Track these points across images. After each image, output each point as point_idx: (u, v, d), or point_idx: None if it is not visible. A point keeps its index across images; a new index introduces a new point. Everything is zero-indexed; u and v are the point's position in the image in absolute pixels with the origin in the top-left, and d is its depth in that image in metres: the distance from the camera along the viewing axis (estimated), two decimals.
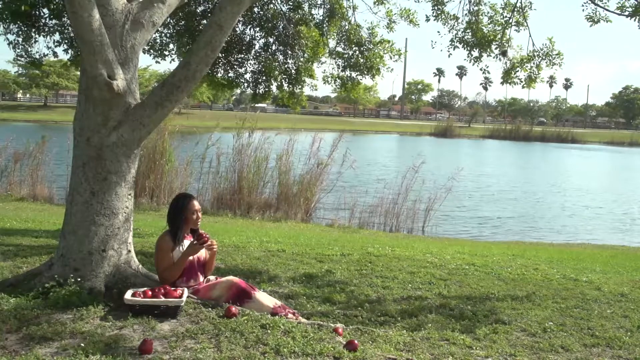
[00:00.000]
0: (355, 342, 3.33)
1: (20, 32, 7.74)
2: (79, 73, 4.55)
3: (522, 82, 8.07)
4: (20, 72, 61.32)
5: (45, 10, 7.71)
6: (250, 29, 8.82)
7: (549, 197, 21.12)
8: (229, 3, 4.10)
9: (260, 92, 8.95)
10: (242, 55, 8.83)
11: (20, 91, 70.03)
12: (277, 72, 8.75)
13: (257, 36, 8.87)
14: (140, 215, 10.78)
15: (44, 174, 13.90)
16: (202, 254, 4.14)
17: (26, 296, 3.73)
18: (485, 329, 4.09)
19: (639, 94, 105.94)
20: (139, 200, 12.51)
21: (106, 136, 4.01)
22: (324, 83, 9.18)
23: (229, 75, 8.94)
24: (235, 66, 8.89)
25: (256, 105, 18.92)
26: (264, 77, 8.83)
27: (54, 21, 7.82)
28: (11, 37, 7.78)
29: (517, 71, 8.03)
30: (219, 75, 8.91)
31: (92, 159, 4.01)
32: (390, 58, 8.75)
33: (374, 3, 8.55)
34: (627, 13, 6.27)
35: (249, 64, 8.92)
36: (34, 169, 13.69)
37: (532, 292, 5.40)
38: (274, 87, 9.05)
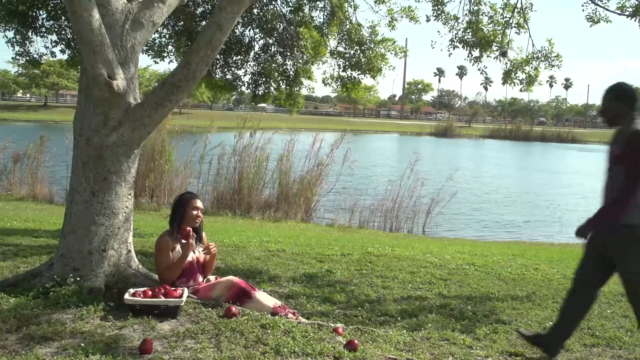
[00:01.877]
0: (355, 342, 3.33)
1: (17, 33, 7.73)
2: (78, 73, 4.55)
3: (521, 83, 8.07)
4: (20, 72, 61.35)
5: (42, 12, 7.70)
6: (249, 30, 8.81)
7: (567, 200, 20.57)
8: (228, 3, 4.10)
9: (260, 93, 8.94)
10: (241, 57, 8.81)
11: (20, 91, 70.04)
12: (276, 73, 8.73)
13: (257, 37, 8.87)
14: (140, 215, 10.78)
15: (44, 174, 13.90)
16: (202, 255, 4.15)
17: (26, 296, 3.72)
18: (486, 329, 4.09)
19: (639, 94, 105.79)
20: (139, 200, 12.51)
21: (106, 136, 4.01)
22: (324, 85, 9.19)
23: (227, 77, 8.92)
24: (234, 68, 8.87)
25: (256, 105, 18.93)
26: (264, 79, 8.82)
27: (50, 22, 7.81)
28: (10, 35, 7.79)
29: (517, 72, 8.04)
30: (217, 76, 8.89)
31: (92, 159, 4.01)
32: (395, 55, 8.76)
33: (375, 2, 8.55)
34: (627, 13, 6.27)
35: (248, 66, 8.91)
36: (34, 169, 13.69)
37: (532, 292, 5.41)
38: (272, 89, 9.04)
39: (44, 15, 7.77)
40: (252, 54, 8.85)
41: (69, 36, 7.85)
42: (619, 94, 3.54)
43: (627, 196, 3.29)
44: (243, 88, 9.27)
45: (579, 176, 30.09)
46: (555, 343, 3.61)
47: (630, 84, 3.59)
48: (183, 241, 3.94)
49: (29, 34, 7.79)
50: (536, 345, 3.64)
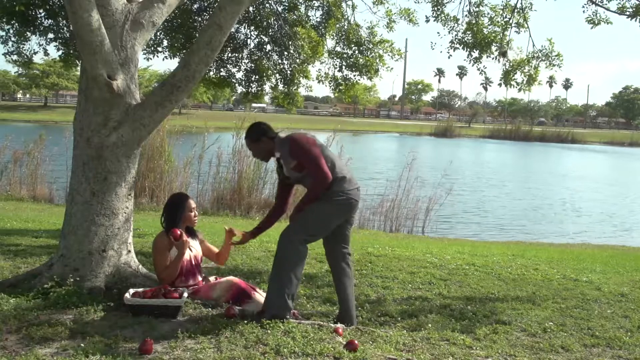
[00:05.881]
0: (355, 342, 3.33)
1: (14, 32, 7.72)
2: (78, 73, 4.56)
3: (519, 85, 8.06)
4: (20, 72, 61.29)
5: (41, 11, 7.69)
6: (245, 28, 8.76)
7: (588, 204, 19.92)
8: (228, 3, 4.11)
9: (253, 91, 8.90)
10: (236, 55, 8.76)
11: (20, 91, 69.99)
12: (270, 72, 8.69)
13: (252, 35, 8.81)
14: (140, 215, 10.77)
15: (43, 174, 13.88)
16: (200, 253, 4.16)
17: (26, 296, 3.73)
18: (485, 329, 4.09)
19: (639, 94, 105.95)
20: (139, 200, 12.49)
21: (106, 136, 4.01)
22: (319, 83, 9.15)
23: (221, 74, 8.87)
24: (228, 65, 8.82)
25: (256, 105, 18.95)
26: (257, 77, 8.77)
27: (49, 21, 7.79)
28: (2, 32, 7.78)
29: (517, 73, 8.02)
30: (211, 73, 8.83)
31: (92, 159, 4.01)
32: (392, 58, 8.74)
33: (374, 3, 8.54)
34: (627, 14, 6.26)
35: (242, 63, 8.85)
36: (34, 169, 13.68)
37: (532, 292, 5.40)
38: (267, 87, 9.00)
39: (43, 14, 7.76)
40: (246, 51, 8.79)
41: (66, 35, 7.84)
42: (256, 137, 3.95)
43: (318, 193, 3.88)
44: (236, 86, 9.20)
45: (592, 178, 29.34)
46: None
47: (258, 122, 4.02)
48: (175, 242, 3.94)
49: (27, 32, 7.78)
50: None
